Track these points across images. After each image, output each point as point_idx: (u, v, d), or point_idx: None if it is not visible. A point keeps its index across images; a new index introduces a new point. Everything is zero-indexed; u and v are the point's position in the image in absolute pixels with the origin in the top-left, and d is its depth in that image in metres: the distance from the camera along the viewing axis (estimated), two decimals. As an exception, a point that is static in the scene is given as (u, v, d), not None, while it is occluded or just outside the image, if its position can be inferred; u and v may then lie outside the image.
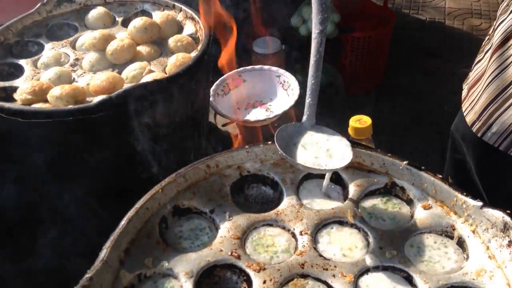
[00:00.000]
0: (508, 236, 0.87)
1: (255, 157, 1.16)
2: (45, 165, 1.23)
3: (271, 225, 1.06)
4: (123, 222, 0.96)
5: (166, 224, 1.05)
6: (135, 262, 0.95)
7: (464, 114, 1.57)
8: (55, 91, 1.30)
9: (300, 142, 1.09)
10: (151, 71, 1.46)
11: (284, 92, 2.17)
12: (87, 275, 0.84)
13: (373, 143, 1.39)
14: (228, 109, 2.11)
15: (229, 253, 0.99)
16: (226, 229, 1.04)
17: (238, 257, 0.98)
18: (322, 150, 1.08)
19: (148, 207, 1.02)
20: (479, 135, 1.48)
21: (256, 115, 2.04)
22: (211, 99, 2.01)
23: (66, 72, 1.45)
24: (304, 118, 1.12)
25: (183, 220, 1.08)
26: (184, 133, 1.58)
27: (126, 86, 1.36)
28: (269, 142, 1.17)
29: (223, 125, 2.13)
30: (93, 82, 1.39)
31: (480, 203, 0.94)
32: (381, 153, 1.11)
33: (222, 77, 2.17)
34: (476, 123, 1.49)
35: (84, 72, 1.48)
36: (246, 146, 1.16)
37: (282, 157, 1.07)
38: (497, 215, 0.90)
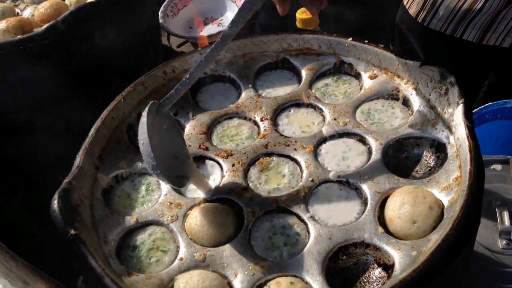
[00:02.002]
0: (445, 85, 0.95)
1: (208, 58, 1.20)
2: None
3: (233, 117, 1.13)
4: (92, 131, 1.01)
5: (133, 131, 1.10)
6: (110, 166, 1.01)
7: (407, 7, 1.62)
8: (1, 25, 1.29)
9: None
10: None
11: (233, 4, 2.17)
12: (66, 180, 0.90)
13: (321, 31, 1.43)
14: (180, 29, 2.11)
15: (197, 147, 1.06)
16: (192, 127, 1.10)
17: (206, 149, 1.05)
18: None
19: (113, 117, 1.06)
20: (425, 24, 1.55)
21: (210, 31, 2.06)
22: (161, 21, 2.00)
23: (8, 8, 1.43)
24: None
25: (150, 125, 1.13)
26: (140, 54, 1.59)
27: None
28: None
29: (178, 46, 2.13)
30: (37, 12, 1.38)
31: (419, 62, 1.01)
32: (327, 34, 1.17)
33: (169, -2, 2.15)
34: (421, 13, 1.55)
35: (27, 5, 1.46)
36: (199, 49, 1.20)
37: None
38: (434, 68, 0.98)
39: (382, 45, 1.09)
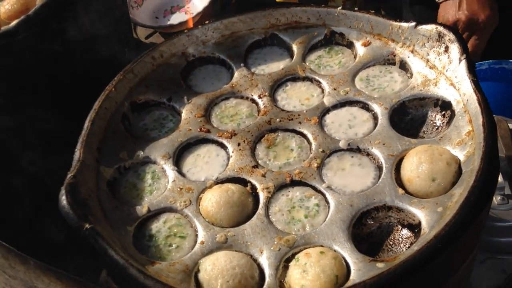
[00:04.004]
0: (443, 43, 0.96)
1: (196, 40, 1.16)
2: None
3: (229, 97, 1.10)
4: (87, 123, 0.96)
5: (128, 121, 1.06)
6: (111, 157, 0.97)
7: None
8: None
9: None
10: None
11: (199, -9, 2.12)
12: (70, 174, 0.85)
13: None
14: (146, 19, 2.05)
15: (198, 130, 1.02)
16: (188, 111, 1.07)
17: (208, 131, 1.02)
18: None
19: (106, 107, 1.01)
20: None
21: (177, 19, 2.01)
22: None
23: (-29, 7, 1.33)
24: None
25: (144, 114, 1.09)
26: (112, 46, 1.53)
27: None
28: (207, 22, 1.17)
29: (146, 38, 2.07)
30: (3, 9, 1.30)
31: (414, 23, 1.01)
32: (315, 6, 1.15)
33: (133, -12, 2.08)
34: None
35: (-9, 3, 1.37)
36: (185, 31, 1.16)
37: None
38: (430, 28, 0.98)
39: (373, 11, 1.08)
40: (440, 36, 0.96)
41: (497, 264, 1.27)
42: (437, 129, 0.96)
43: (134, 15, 2.00)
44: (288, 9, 1.16)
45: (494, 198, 1.32)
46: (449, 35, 0.94)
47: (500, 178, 1.33)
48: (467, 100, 0.89)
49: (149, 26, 2.00)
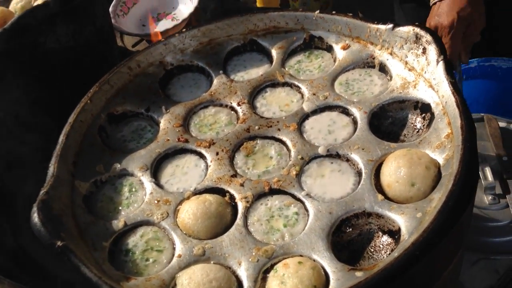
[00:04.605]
0: (421, 45, 0.94)
1: (174, 48, 1.15)
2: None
3: (208, 106, 1.08)
4: (61, 137, 0.94)
5: (106, 133, 1.04)
6: (87, 171, 0.95)
7: None
8: None
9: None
10: (40, -2, 1.36)
11: (186, -4, 2.11)
12: (43, 190, 0.83)
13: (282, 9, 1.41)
14: (133, 27, 2.03)
15: (177, 140, 1.01)
16: (167, 121, 1.05)
17: (186, 141, 1.01)
18: None
19: (82, 120, 1.00)
20: None
21: (165, 26, 1.99)
22: (112, 21, 1.92)
23: None
24: None
25: (122, 125, 1.07)
26: (97, 56, 1.52)
27: (18, 16, 1.27)
28: (184, 30, 1.15)
29: (133, 46, 2.06)
30: (-20, 23, 1.28)
31: (391, 25, 1.00)
32: (293, 10, 1.14)
33: (117, -3, 2.07)
34: None
35: (-33, 17, 1.35)
36: (162, 39, 1.14)
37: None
38: (407, 30, 0.97)
39: (351, 14, 1.07)
40: (417, 38, 0.95)
41: (490, 264, 1.26)
42: (417, 132, 0.95)
43: (120, 24, 1.99)
44: (266, 14, 1.15)
45: (485, 198, 1.31)
46: (426, 37, 0.93)
47: (490, 178, 1.31)
48: (446, 102, 0.88)
49: (135, 34, 1.98)
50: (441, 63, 0.89)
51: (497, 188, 1.32)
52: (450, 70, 0.88)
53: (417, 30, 0.95)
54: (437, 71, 0.90)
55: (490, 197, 1.30)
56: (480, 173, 1.33)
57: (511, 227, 1.26)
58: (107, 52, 1.57)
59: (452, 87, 0.86)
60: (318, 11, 1.11)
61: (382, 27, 1.02)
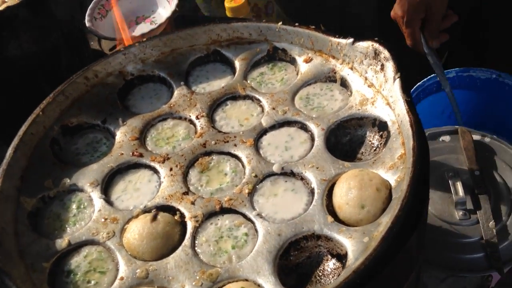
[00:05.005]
0: (379, 61, 0.92)
1: (134, 58, 1.12)
2: None
3: (166, 118, 1.06)
4: (9, 151, 0.92)
5: (59, 145, 1.01)
6: (35, 186, 0.92)
7: None
8: None
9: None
10: (4, 2, 1.33)
11: (165, 0, 2.08)
12: (-18, 209, 0.80)
13: (253, 18, 1.38)
14: (111, 31, 2.00)
15: (131, 154, 0.98)
16: (123, 133, 1.03)
17: (141, 155, 0.98)
18: None
19: (32, 132, 0.97)
20: None
21: (142, 30, 1.96)
22: (88, 24, 1.89)
23: None
24: None
25: (77, 137, 1.04)
26: (65, 62, 1.49)
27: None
28: (144, 39, 1.13)
29: (110, 50, 2.03)
30: None
31: (351, 40, 0.97)
32: (256, 21, 1.11)
33: (95, 0, 2.04)
34: None
35: None
36: (122, 49, 1.12)
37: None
38: (366, 45, 0.94)
39: (313, 26, 1.05)
40: (376, 54, 0.92)
41: (458, 282, 1.24)
42: (375, 150, 0.92)
43: (98, 27, 1.96)
44: (229, 24, 1.12)
45: (456, 213, 1.28)
46: (384, 53, 0.90)
47: (461, 193, 1.29)
48: (401, 121, 0.86)
49: (110, 38, 1.96)
50: (397, 81, 0.87)
51: (468, 203, 1.30)
52: (406, 89, 0.86)
53: (376, 45, 0.92)
54: (394, 89, 0.88)
55: (461, 213, 1.28)
56: (451, 188, 1.31)
57: (481, 244, 1.24)
58: (76, 58, 1.55)
59: (407, 106, 0.84)
60: (280, 23, 1.08)
61: (343, 41, 0.99)
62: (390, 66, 0.89)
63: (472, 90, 1.72)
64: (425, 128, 1.40)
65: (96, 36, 1.94)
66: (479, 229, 1.25)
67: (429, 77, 1.62)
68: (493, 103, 1.69)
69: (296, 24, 1.07)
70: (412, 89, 1.63)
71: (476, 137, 1.46)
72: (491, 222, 1.26)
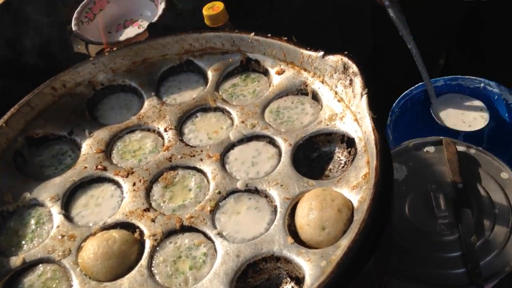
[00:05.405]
0: (348, 76, 0.89)
1: (104, 67, 1.10)
2: None
3: (135, 130, 1.03)
4: (-33, 165, 0.90)
5: (22, 157, 0.99)
6: (-7, 201, 0.90)
7: None
8: None
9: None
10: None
11: (152, 3, 2.06)
12: None
13: (233, 27, 1.35)
14: (98, 35, 1.98)
15: (94, 168, 0.96)
16: (89, 146, 1.00)
17: (104, 169, 0.96)
18: None
19: (-6, 144, 0.95)
20: None
21: (126, 35, 1.95)
22: (74, 28, 1.88)
23: None
24: None
25: (42, 149, 1.02)
26: (43, 68, 1.46)
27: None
28: (115, 49, 1.10)
29: (97, 54, 2.01)
30: None
31: (322, 53, 0.95)
32: (228, 31, 1.09)
33: (83, 3, 2.02)
34: None
35: None
36: (91, 58, 1.09)
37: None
38: (336, 59, 0.92)
39: (285, 38, 1.02)
40: (345, 68, 0.90)
41: (438, 297, 1.20)
42: (343, 167, 0.90)
43: (84, 31, 1.94)
44: (201, 34, 1.10)
45: (437, 226, 1.25)
46: (352, 68, 0.88)
47: (443, 206, 1.26)
48: (367, 138, 0.83)
49: (96, 42, 1.94)
50: (364, 97, 0.84)
51: (450, 217, 1.27)
52: (373, 105, 0.83)
53: (345, 60, 0.90)
54: (361, 105, 0.85)
55: (443, 226, 1.25)
56: (433, 201, 1.28)
57: (462, 259, 1.21)
58: (56, 64, 1.52)
59: (373, 124, 0.81)
60: (253, 33, 1.06)
61: (313, 54, 0.96)
62: (358, 81, 0.86)
63: (461, 99, 1.69)
64: (411, 138, 1.38)
65: (83, 40, 1.92)
66: (460, 244, 1.22)
67: (416, 85, 1.59)
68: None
69: (269, 35, 1.04)
70: (400, 97, 1.60)
71: (461, 148, 1.43)
72: (472, 237, 1.22)
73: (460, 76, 1.65)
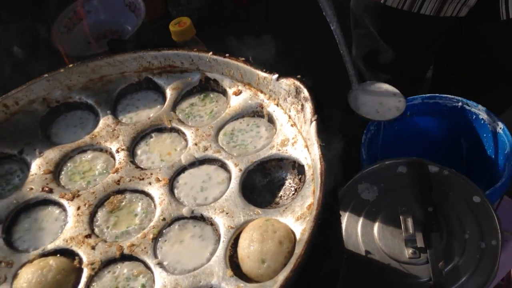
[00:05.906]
0: (300, 100, 0.86)
1: (59, 84, 1.07)
2: None
3: (86, 150, 1.01)
4: None
5: (-32, 178, 0.96)
6: None
7: None
8: None
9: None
10: None
11: (132, 13, 2.05)
12: None
13: (201, 41, 1.33)
14: (77, 46, 1.96)
15: (40, 189, 0.93)
16: (37, 166, 0.97)
17: (50, 191, 0.93)
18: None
19: None
20: (381, 1, 1.46)
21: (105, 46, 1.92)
22: (54, 39, 1.86)
23: None
24: None
25: (-9, 168, 0.99)
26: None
27: None
28: (71, 65, 1.08)
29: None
30: None
31: (276, 75, 0.92)
32: (187, 50, 1.06)
33: (62, 13, 2.01)
34: None
35: None
36: (46, 75, 1.06)
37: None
38: (289, 82, 0.89)
39: (243, 58, 0.99)
40: (297, 92, 0.87)
41: (404, 326, 1.17)
42: (293, 194, 0.86)
43: (63, 42, 1.91)
44: (160, 52, 1.07)
45: (405, 251, 1.22)
46: (304, 93, 0.85)
47: (411, 230, 1.22)
48: (315, 167, 0.80)
49: (73, 56, 1.90)
50: (313, 124, 0.81)
51: (419, 241, 1.23)
52: (321, 133, 0.80)
53: (298, 84, 0.87)
54: (310, 132, 0.82)
55: (411, 251, 1.21)
56: (402, 224, 1.25)
57: (429, 286, 1.17)
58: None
59: (320, 152, 0.78)
60: (211, 52, 1.03)
61: (268, 76, 0.94)
62: (308, 107, 0.83)
63: (437, 117, 1.66)
64: (386, 156, 1.34)
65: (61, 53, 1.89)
66: (428, 269, 1.18)
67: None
68: (459, 132, 1.63)
69: (227, 54, 1.01)
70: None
71: (433, 169, 1.40)
72: (440, 262, 1.19)
73: (438, 94, 1.62)
